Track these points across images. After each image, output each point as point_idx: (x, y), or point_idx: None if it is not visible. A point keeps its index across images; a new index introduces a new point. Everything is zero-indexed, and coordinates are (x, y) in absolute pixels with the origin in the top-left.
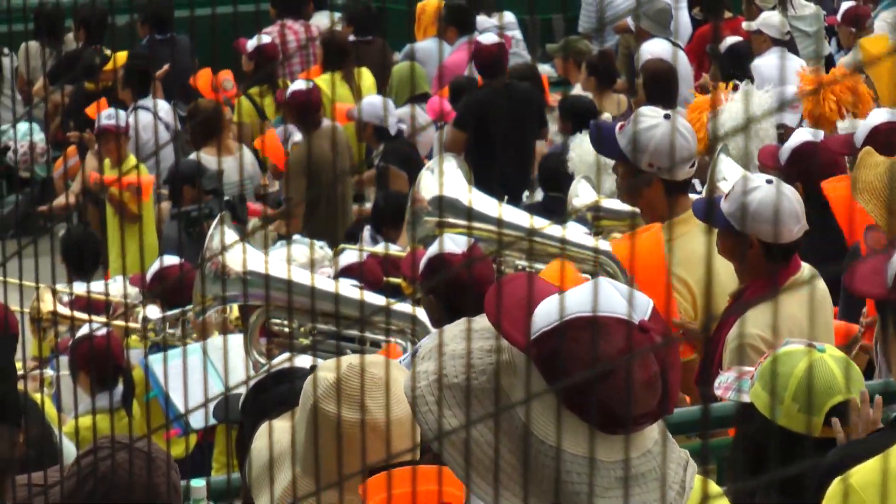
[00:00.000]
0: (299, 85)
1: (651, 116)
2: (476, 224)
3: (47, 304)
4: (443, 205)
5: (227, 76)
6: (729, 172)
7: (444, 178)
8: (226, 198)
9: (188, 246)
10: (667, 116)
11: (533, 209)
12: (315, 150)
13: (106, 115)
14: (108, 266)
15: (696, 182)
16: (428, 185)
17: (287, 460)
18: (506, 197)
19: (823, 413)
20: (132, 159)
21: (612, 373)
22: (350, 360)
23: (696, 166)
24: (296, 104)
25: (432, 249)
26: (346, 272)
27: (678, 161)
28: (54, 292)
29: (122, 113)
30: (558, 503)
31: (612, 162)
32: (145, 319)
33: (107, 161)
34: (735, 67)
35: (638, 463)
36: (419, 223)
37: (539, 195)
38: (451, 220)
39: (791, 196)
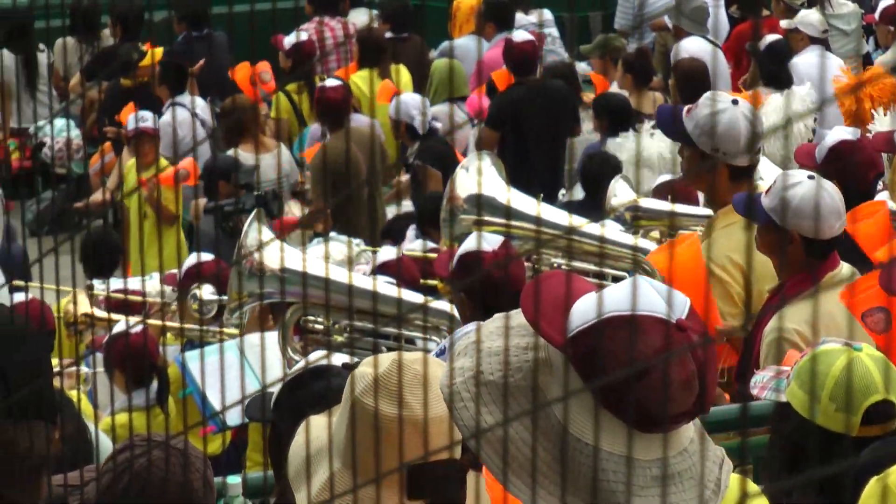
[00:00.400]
0: (327, 83)
1: (719, 101)
2: (513, 222)
3: (82, 307)
4: (480, 203)
5: (265, 68)
6: (766, 171)
7: (478, 176)
8: (256, 192)
9: (223, 241)
10: (734, 102)
11: (572, 207)
12: (334, 149)
13: (139, 116)
14: (126, 265)
15: None
16: (463, 183)
17: (327, 455)
18: (541, 195)
19: (861, 412)
20: (163, 161)
21: (649, 372)
22: (392, 356)
23: (761, 153)
24: (320, 103)
25: (464, 248)
26: (383, 269)
27: (743, 146)
28: (90, 292)
29: (152, 115)
30: (595, 502)
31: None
32: (197, 298)
33: (131, 162)
34: (773, 66)
35: (674, 462)
36: (455, 222)
37: (577, 193)
38: (488, 219)
39: (832, 192)
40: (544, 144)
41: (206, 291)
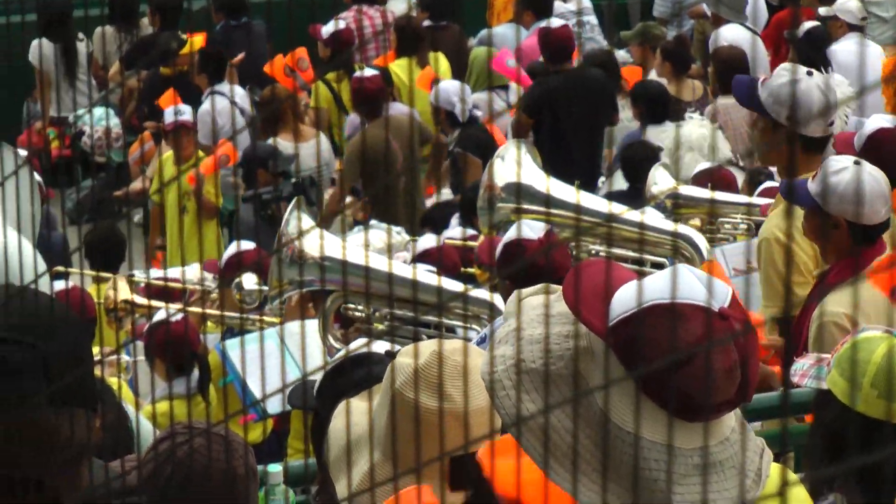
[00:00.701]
0: (364, 73)
1: (793, 71)
2: (552, 210)
3: (122, 293)
4: (520, 191)
5: (302, 54)
6: None
7: (518, 165)
8: (294, 179)
9: (262, 228)
10: (809, 73)
11: (613, 196)
12: (372, 138)
13: (178, 110)
14: (151, 257)
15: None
16: (499, 171)
17: (367, 444)
18: (577, 182)
19: None
20: (201, 155)
21: (691, 360)
22: (431, 346)
23: (835, 125)
24: (357, 93)
25: (509, 235)
26: (424, 257)
27: (816, 115)
28: (130, 280)
29: (190, 109)
30: (636, 490)
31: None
32: (239, 286)
33: (168, 155)
34: (812, 53)
35: (716, 450)
36: (493, 210)
37: (617, 181)
38: (527, 207)
39: (878, 177)
40: (582, 133)
41: (248, 281)
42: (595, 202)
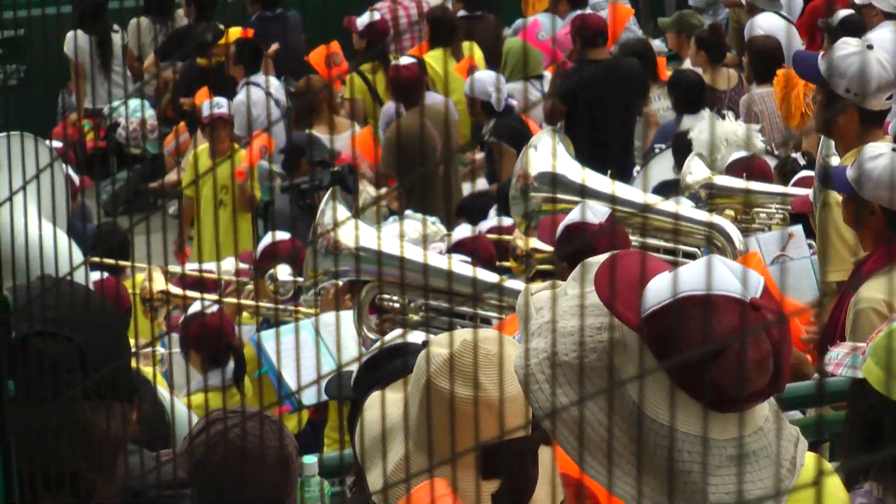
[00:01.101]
0: (401, 61)
1: (852, 45)
2: (587, 200)
3: (158, 284)
4: (555, 181)
5: (336, 49)
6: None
7: (552, 155)
8: (334, 168)
9: (300, 218)
10: (869, 47)
11: (660, 186)
12: (409, 126)
13: (214, 103)
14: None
15: (797, 156)
16: (532, 161)
17: (399, 434)
18: (609, 172)
19: None
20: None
21: (724, 351)
22: (463, 335)
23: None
24: (394, 81)
25: (571, 217)
26: (459, 248)
27: (875, 89)
28: (165, 271)
29: (227, 101)
30: (670, 482)
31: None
32: (273, 277)
33: (203, 147)
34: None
35: (750, 441)
36: (526, 199)
37: (655, 171)
38: (560, 196)
39: None
40: (616, 122)
41: (282, 272)
42: (629, 192)
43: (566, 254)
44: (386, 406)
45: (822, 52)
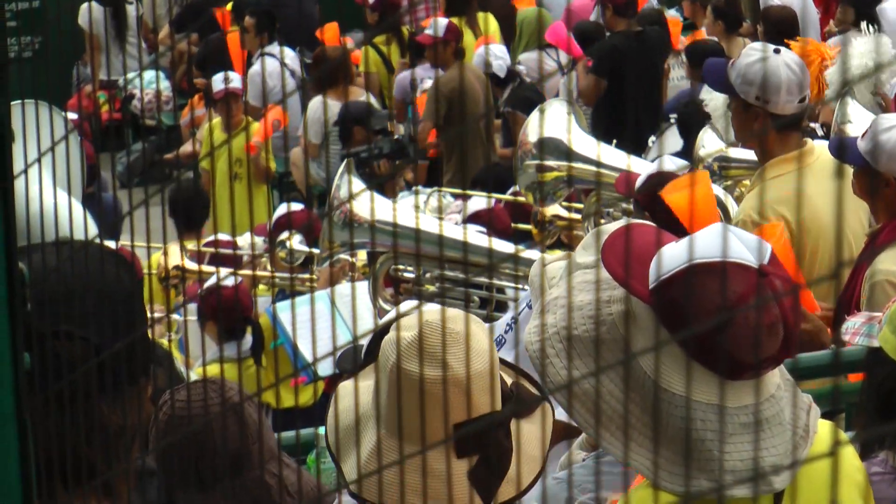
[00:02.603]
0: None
1: (759, 50)
2: (577, 165)
3: (173, 259)
4: (543, 147)
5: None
6: (856, 115)
7: (549, 120)
8: (396, 136)
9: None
10: (776, 51)
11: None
12: (450, 81)
13: (227, 77)
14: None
15: (816, 126)
16: (536, 129)
17: (371, 421)
18: (614, 141)
19: None
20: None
21: (734, 319)
22: (427, 315)
23: (807, 101)
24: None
25: (652, 167)
26: (475, 219)
27: (784, 93)
28: (182, 246)
29: (239, 76)
30: (687, 450)
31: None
32: (286, 247)
33: (217, 121)
34: (862, 11)
35: (762, 408)
36: (523, 167)
37: (669, 142)
38: (552, 164)
39: None
40: (644, 91)
41: (296, 241)
42: (636, 163)
43: (646, 204)
44: (352, 397)
45: (731, 62)
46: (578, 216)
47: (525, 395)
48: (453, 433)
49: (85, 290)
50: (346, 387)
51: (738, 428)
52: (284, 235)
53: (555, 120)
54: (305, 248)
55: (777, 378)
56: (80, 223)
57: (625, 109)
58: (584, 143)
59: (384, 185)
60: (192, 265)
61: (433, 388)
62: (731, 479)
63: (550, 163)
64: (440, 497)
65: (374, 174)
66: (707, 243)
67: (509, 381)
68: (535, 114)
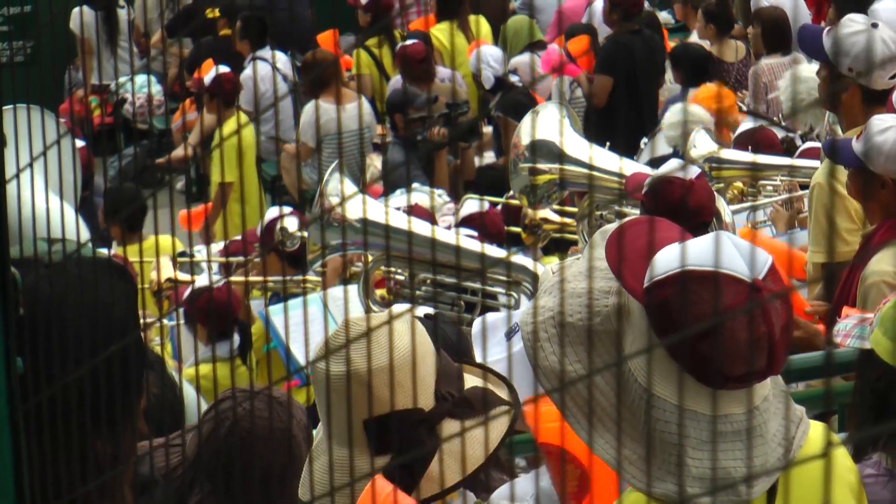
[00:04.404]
0: (410, 39)
1: (857, 22)
2: (569, 168)
3: (165, 272)
4: (534, 151)
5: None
6: None
7: (542, 123)
8: (439, 114)
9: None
10: (874, 25)
11: (657, 161)
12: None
13: (218, 70)
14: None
15: (795, 136)
16: (529, 132)
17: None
18: (607, 144)
19: None
20: (242, 117)
21: (719, 329)
22: (354, 318)
23: None
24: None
25: (658, 172)
26: (468, 222)
27: (878, 67)
28: (173, 258)
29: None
30: (649, 450)
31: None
32: (283, 231)
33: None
34: (854, 12)
35: (741, 418)
36: (520, 172)
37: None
38: (547, 167)
39: None
40: (645, 91)
41: (290, 224)
42: (631, 166)
43: (651, 209)
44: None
45: (826, 28)
46: (569, 220)
47: (490, 398)
48: (367, 429)
49: (79, 316)
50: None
51: (710, 436)
52: (275, 214)
53: (548, 123)
54: (300, 234)
55: (766, 390)
56: (71, 228)
57: (638, 107)
58: (578, 146)
59: (433, 155)
60: (184, 276)
61: (339, 385)
62: (699, 486)
63: (543, 166)
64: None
65: (428, 142)
66: (704, 250)
67: (478, 383)
68: (528, 116)
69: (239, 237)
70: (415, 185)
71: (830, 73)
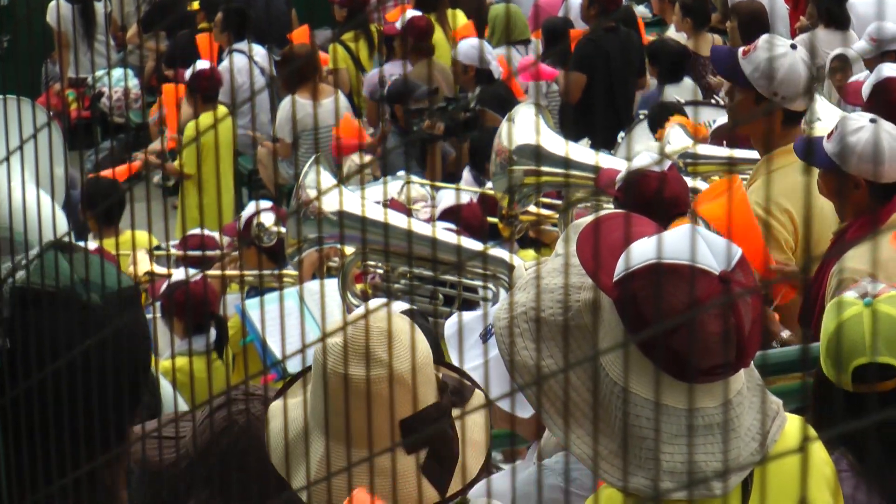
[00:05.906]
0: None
1: (778, 45)
2: (548, 169)
3: (142, 265)
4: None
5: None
6: (824, 113)
7: (522, 126)
8: (437, 106)
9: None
10: (793, 46)
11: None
12: (418, 77)
13: (197, 63)
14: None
15: None
16: (510, 135)
17: (312, 434)
18: (588, 141)
19: (849, 371)
20: (221, 109)
21: (686, 322)
22: (354, 317)
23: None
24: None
25: (632, 165)
26: (446, 215)
27: (802, 91)
28: (150, 251)
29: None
30: (624, 445)
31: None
32: (260, 226)
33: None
34: (832, 6)
35: (714, 413)
36: (505, 174)
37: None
38: (541, 169)
39: (895, 134)
40: (620, 87)
41: (267, 219)
42: (611, 162)
43: (626, 203)
44: (290, 412)
45: (742, 51)
46: (546, 212)
47: (457, 385)
48: (400, 429)
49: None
50: (276, 407)
51: (684, 430)
52: (253, 209)
53: (525, 125)
54: (276, 229)
55: (739, 384)
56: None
57: (614, 104)
58: (556, 145)
59: (427, 147)
60: (161, 269)
61: (370, 388)
62: (669, 479)
63: (525, 168)
64: (389, 495)
65: (425, 132)
66: (674, 243)
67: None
68: (504, 122)
69: (197, 230)
70: (400, 173)
71: (754, 98)
